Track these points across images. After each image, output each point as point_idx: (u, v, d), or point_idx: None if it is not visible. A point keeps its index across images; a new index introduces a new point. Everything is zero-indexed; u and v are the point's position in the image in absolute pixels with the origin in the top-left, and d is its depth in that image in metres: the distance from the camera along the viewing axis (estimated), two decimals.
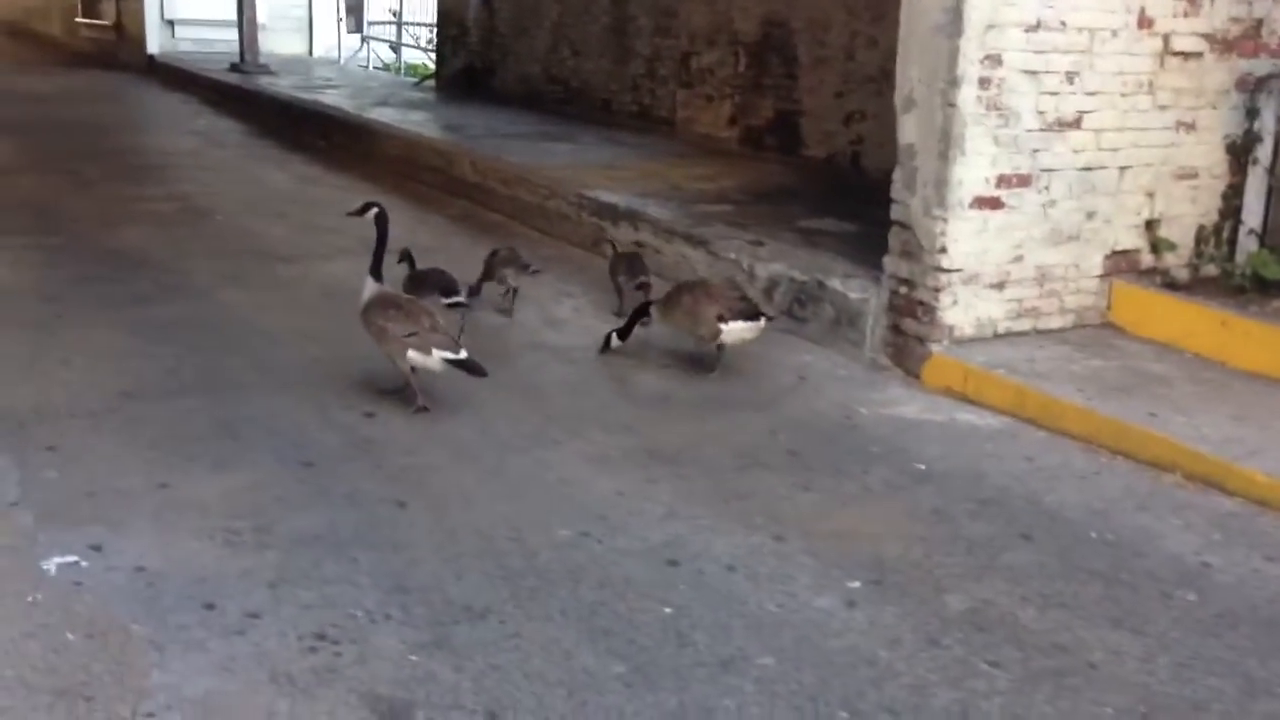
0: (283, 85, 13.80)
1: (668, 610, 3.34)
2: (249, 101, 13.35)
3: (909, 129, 5.36)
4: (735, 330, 5.17)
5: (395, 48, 18.65)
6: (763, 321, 5.27)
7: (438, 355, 4.56)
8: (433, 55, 15.84)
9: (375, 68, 18.25)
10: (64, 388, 4.73)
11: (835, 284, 5.79)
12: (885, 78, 8.52)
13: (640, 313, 5.50)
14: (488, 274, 6.24)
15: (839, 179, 8.73)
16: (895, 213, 5.46)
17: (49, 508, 3.72)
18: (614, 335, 5.49)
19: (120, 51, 18.19)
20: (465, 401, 4.86)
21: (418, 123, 11.01)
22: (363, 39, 18.93)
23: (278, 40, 17.60)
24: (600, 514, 3.93)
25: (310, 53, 18.54)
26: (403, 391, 4.73)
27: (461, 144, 9.68)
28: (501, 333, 5.88)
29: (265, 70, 15.25)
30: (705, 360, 5.40)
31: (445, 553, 3.60)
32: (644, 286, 6.28)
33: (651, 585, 3.48)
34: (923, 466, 4.46)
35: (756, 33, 9.61)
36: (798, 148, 9.37)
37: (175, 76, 16.03)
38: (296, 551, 3.57)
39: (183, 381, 4.92)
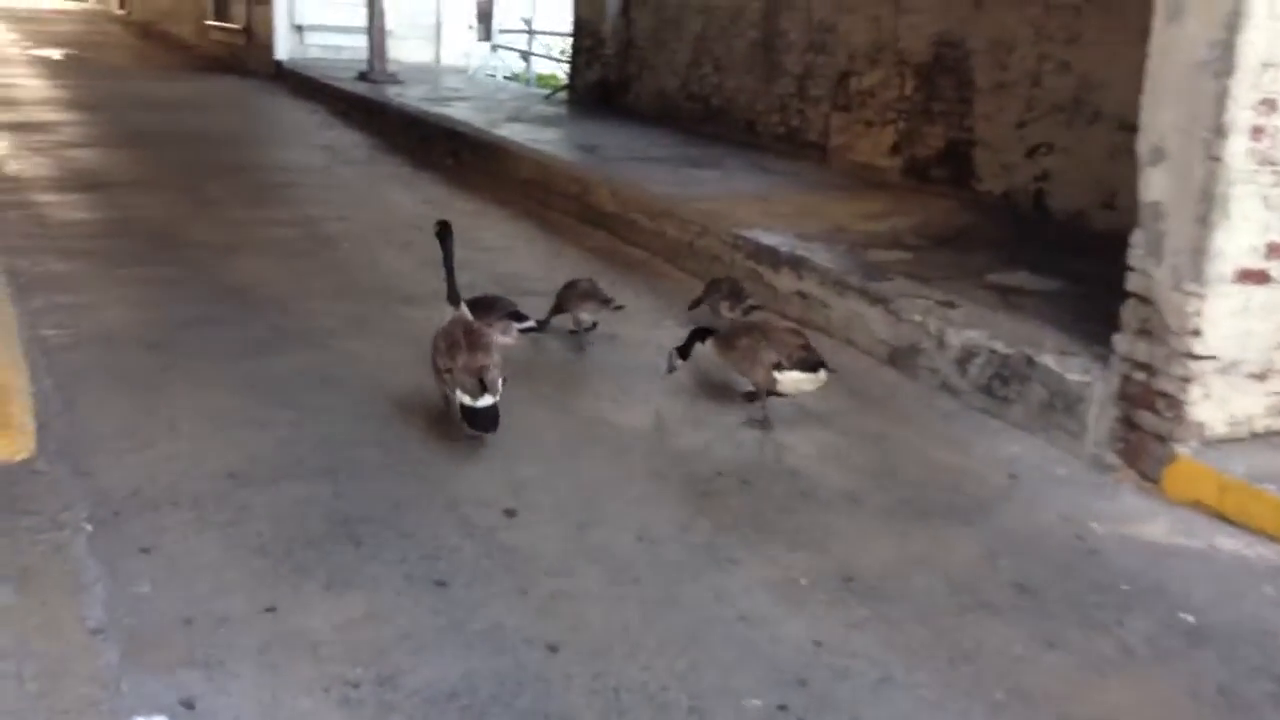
0: (411, 96, 13.31)
1: None
2: (376, 113, 12.89)
3: (1157, 185, 4.47)
4: (791, 381, 4.76)
5: (525, 57, 18.15)
6: (823, 374, 4.80)
7: (459, 397, 4.26)
8: (564, 66, 15.25)
9: (504, 77, 17.75)
10: (168, 464, 4.13)
11: (1049, 362, 4.91)
12: (1077, 107, 7.61)
13: (699, 333, 5.08)
14: (561, 306, 5.74)
15: (1021, 220, 7.80)
16: (1133, 283, 4.58)
17: (138, 639, 3.08)
18: (676, 355, 5.08)
19: (249, 56, 18.00)
20: (616, 491, 4.14)
21: (551, 141, 10.37)
22: (493, 48, 18.46)
23: (406, 48, 17.20)
24: (798, 676, 3.16)
25: (438, 61, 18.13)
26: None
27: (599, 169, 8.99)
28: (652, 398, 5.15)
29: (393, 79, 14.83)
30: (754, 412, 4.95)
31: None
32: (751, 310, 5.88)
33: None
34: (1191, 619, 3.58)
35: (927, 52, 8.72)
36: (969, 181, 8.45)
37: (303, 84, 15.71)
38: (426, 716, 2.88)
39: (298, 457, 4.28)
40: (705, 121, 11.57)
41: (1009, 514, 4.27)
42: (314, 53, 17.23)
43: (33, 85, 14.73)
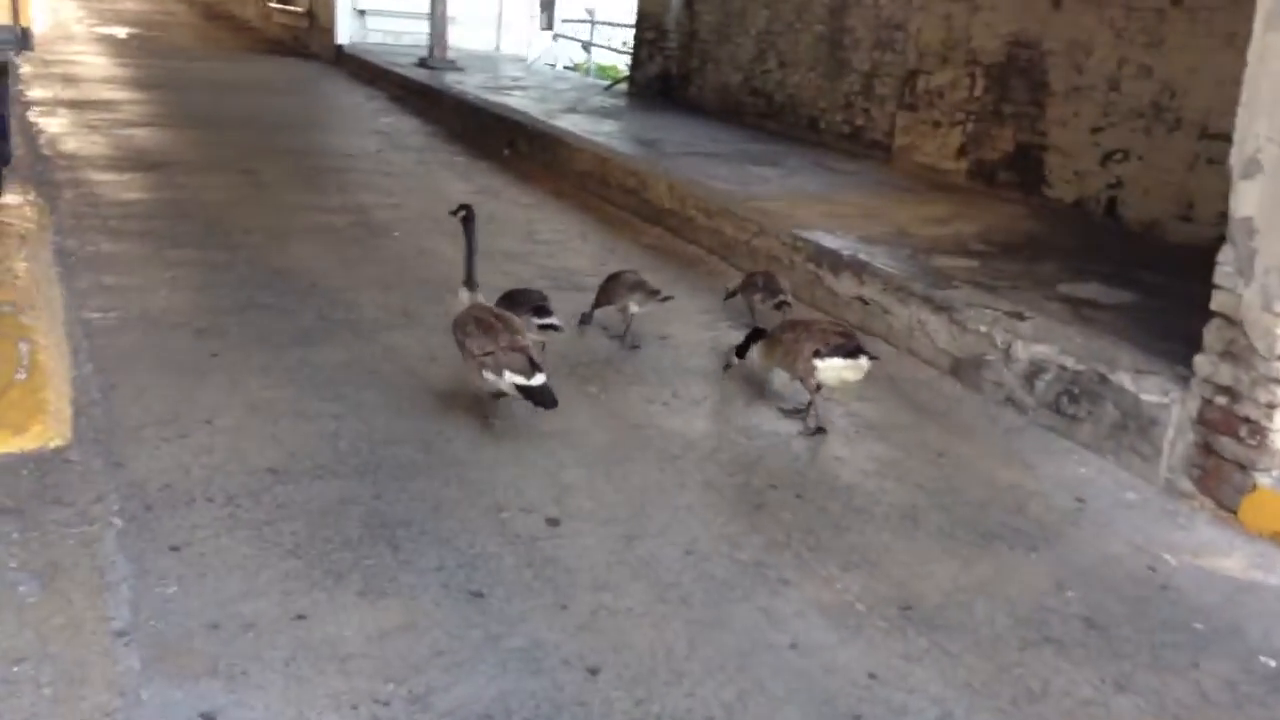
0: (470, 84, 13.20)
1: None
2: (434, 100, 12.80)
3: (1249, 199, 4.22)
4: (831, 368, 4.63)
5: (587, 47, 17.98)
6: (864, 361, 4.65)
7: (509, 378, 4.17)
8: (625, 57, 15.09)
9: (565, 67, 17.61)
10: (205, 457, 4.02)
11: (1123, 380, 4.67)
12: (1157, 114, 7.31)
13: (757, 333, 5.03)
14: (606, 298, 5.62)
15: (1092, 229, 7.52)
16: (1219, 302, 4.33)
17: (162, 645, 2.96)
18: (734, 354, 5.09)
19: (311, 40, 18.00)
20: (664, 501, 3.98)
21: (609, 134, 10.20)
22: (554, 37, 18.31)
23: (467, 35, 17.10)
24: (852, 711, 2.97)
25: (498, 49, 18.02)
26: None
27: (658, 164, 8.81)
28: (705, 403, 4.97)
29: (453, 67, 14.73)
30: (806, 416, 4.82)
31: None
32: (783, 305, 5.75)
33: None
34: (1272, 663, 3.35)
35: (1000, 53, 8.44)
36: (1039, 187, 8.18)
37: (363, 69, 15.67)
38: None
39: (339, 454, 4.15)
40: (767, 118, 11.36)
41: (1077, 541, 4.04)
42: (375, 37, 17.19)
43: (96, 63, 14.81)
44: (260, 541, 3.50)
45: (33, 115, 10.24)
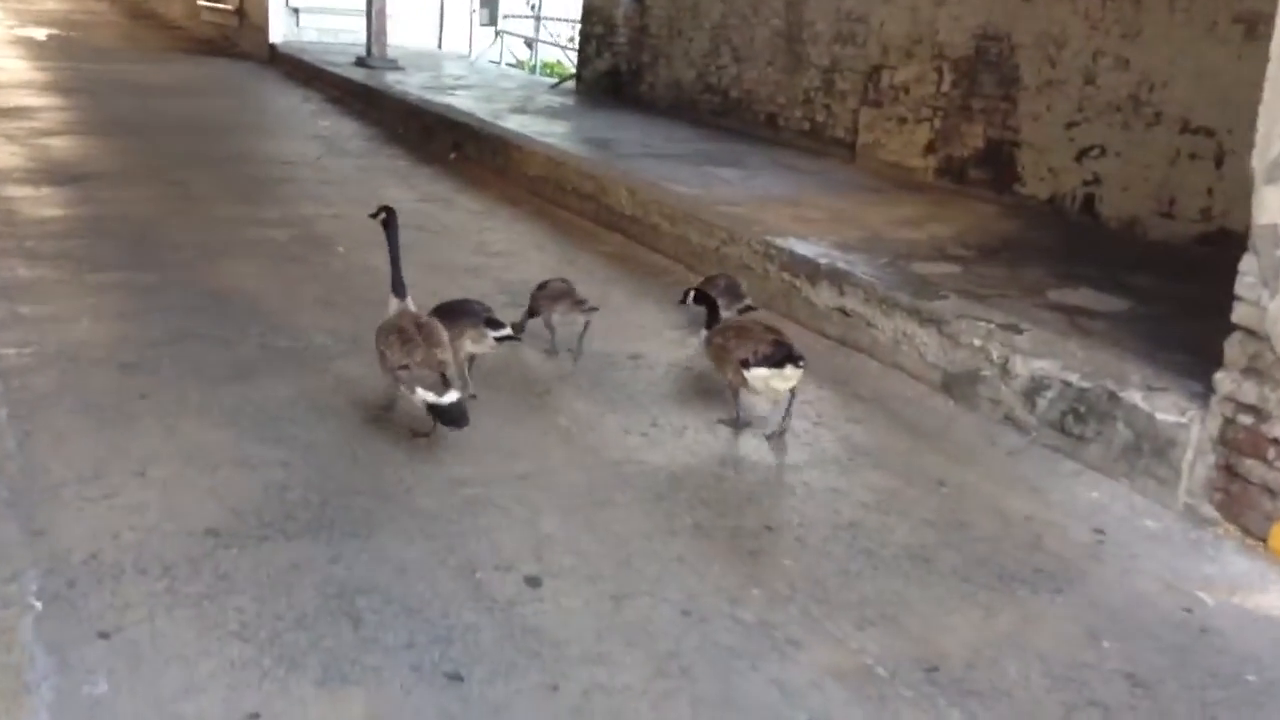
0: (411, 84, 12.71)
1: None
2: (374, 102, 12.29)
3: (1272, 205, 3.91)
4: (758, 377, 4.41)
5: (531, 44, 17.52)
6: (790, 370, 4.38)
7: (420, 394, 4.02)
8: (571, 53, 14.66)
9: (508, 64, 17.12)
10: (136, 518, 3.56)
11: (1134, 398, 4.36)
12: (1136, 107, 7.04)
13: (711, 317, 4.94)
14: (532, 310, 5.35)
15: (1070, 228, 7.26)
16: (1240, 315, 4.02)
17: None
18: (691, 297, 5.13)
19: (242, 39, 17.36)
20: (653, 551, 3.59)
21: (561, 135, 9.79)
22: (496, 33, 17.82)
23: (406, 32, 16.55)
24: None
25: (440, 46, 17.48)
26: None
27: (615, 166, 8.42)
28: (686, 432, 4.59)
29: (393, 66, 14.22)
30: (732, 418, 4.69)
31: None
32: (748, 310, 5.54)
33: None
34: None
35: (967, 46, 8.15)
36: (1011, 184, 7.90)
37: (297, 69, 15.10)
38: None
39: (288, 508, 3.71)
40: (722, 115, 11.01)
41: (1102, 579, 3.72)
42: (310, 35, 16.59)
43: (13, 67, 14.11)
44: (202, 622, 3.07)
45: None
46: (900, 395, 5.20)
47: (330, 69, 14.02)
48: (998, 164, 7.98)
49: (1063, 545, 3.92)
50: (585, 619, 3.25)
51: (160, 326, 5.27)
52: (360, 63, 14.24)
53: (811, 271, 6.00)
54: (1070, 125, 7.44)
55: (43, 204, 7.35)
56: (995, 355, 4.92)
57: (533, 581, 3.42)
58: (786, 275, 6.15)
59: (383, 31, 14.45)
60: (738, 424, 4.66)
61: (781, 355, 4.39)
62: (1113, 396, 4.43)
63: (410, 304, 4.46)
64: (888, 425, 4.88)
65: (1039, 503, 4.22)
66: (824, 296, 5.89)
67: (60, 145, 9.28)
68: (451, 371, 4.08)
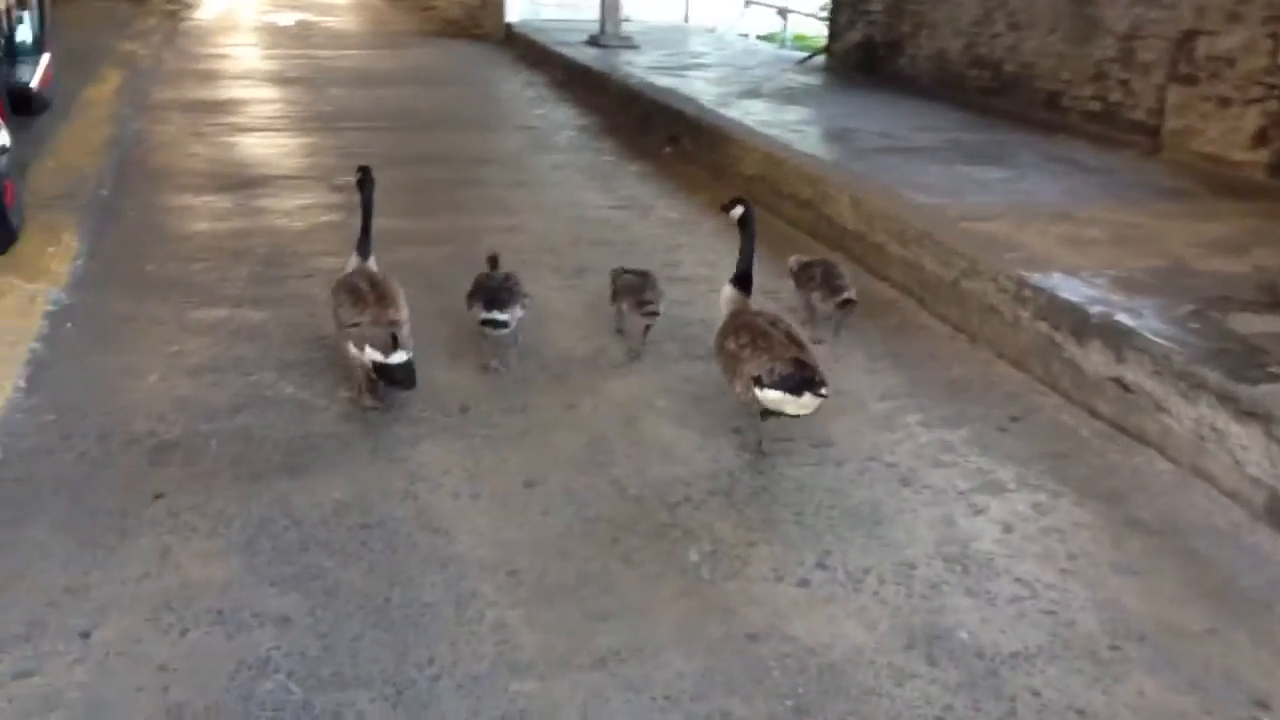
0: (639, 65, 11.53)
1: None
2: (597, 86, 11.19)
3: None
4: (770, 399, 3.69)
5: (783, 14, 16.03)
6: (808, 399, 3.63)
7: (368, 353, 3.87)
8: (825, 25, 13.12)
9: (757, 37, 15.73)
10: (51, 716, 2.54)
11: None
12: None
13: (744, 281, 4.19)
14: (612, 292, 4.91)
15: None
16: None
17: None
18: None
19: (484, 18, 16.71)
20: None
21: (792, 125, 8.33)
22: (746, 3, 16.43)
23: (651, 6, 15.42)
24: None
25: (687, 19, 16.28)
26: None
27: (841, 166, 6.94)
28: (860, 586, 3.15)
29: (627, 44, 13.12)
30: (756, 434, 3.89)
31: None
32: (848, 305, 4.84)
33: None
34: None
35: None
36: None
37: (530, 50, 14.24)
38: None
39: (249, 714, 2.59)
40: (994, 94, 9.24)
41: None
42: (549, 14, 15.74)
43: (241, 55, 13.97)
44: None
45: (144, 122, 9.25)
46: (1203, 525, 3.56)
47: (558, 49, 13.03)
48: None
49: None
50: None
51: (235, 387, 4.30)
52: (593, 41, 13.21)
53: (1078, 324, 4.37)
54: None
55: (190, 216, 6.65)
56: None
57: None
58: (1044, 326, 4.54)
59: (615, 8, 13.32)
60: (760, 448, 3.89)
61: (800, 380, 3.63)
62: None
63: (372, 264, 4.29)
64: (1180, 580, 3.27)
65: None
66: (1094, 361, 4.26)
67: (245, 144, 8.68)
68: (404, 332, 3.90)
